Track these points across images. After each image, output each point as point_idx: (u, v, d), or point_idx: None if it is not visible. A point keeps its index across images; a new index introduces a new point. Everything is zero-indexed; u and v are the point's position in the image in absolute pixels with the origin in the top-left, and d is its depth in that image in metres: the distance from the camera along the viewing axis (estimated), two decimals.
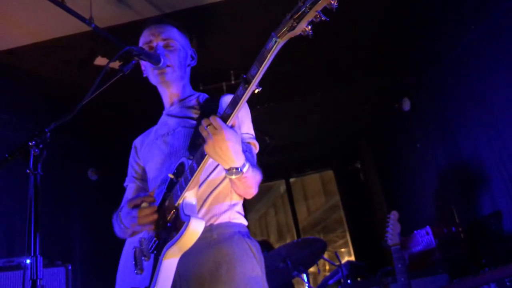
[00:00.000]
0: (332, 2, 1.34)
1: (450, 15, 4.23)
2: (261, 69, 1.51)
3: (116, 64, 3.99)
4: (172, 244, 1.74)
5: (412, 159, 5.55)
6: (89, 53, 4.28)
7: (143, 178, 2.26)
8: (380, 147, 6.70)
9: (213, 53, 4.38)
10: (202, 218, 1.79)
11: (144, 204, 1.86)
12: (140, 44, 2.21)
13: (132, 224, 1.90)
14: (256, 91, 1.57)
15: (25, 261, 3.38)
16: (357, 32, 4.59)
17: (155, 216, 1.84)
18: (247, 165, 1.74)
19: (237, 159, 1.69)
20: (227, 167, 1.71)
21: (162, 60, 2.04)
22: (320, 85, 5.54)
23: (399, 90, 5.46)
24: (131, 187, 2.30)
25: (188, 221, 1.71)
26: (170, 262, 1.79)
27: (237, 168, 1.71)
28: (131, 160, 2.35)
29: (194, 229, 1.72)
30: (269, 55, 1.48)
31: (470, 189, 4.38)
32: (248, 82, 1.55)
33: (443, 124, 4.75)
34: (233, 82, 4.89)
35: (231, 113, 1.63)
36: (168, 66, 2.10)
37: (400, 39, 4.80)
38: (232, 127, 1.68)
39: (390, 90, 5.64)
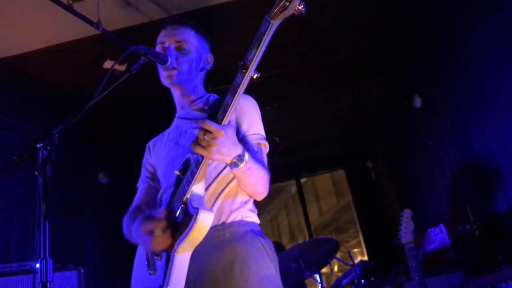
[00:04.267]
0: None
1: (460, 10, 4.19)
2: (257, 52, 1.49)
3: (123, 67, 3.99)
4: (183, 239, 1.73)
5: (424, 156, 5.50)
6: (98, 57, 4.29)
7: (156, 178, 2.27)
8: (391, 145, 6.65)
9: (222, 54, 4.36)
10: (210, 210, 1.77)
11: (157, 232, 1.82)
12: (156, 44, 2.22)
13: (145, 248, 1.90)
14: (255, 76, 1.55)
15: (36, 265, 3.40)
16: (366, 29, 4.55)
17: (169, 242, 1.81)
18: (246, 153, 1.73)
19: (236, 147, 1.68)
20: (230, 162, 1.70)
21: (169, 59, 2.03)
22: (329, 83, 5.51)
23: (409, 87, 5.42)
24: (143, 187, 2.30)
25: (197, 213, 1.70)
26: (182, 257, 1.78)
27: (238, 156, 1.69)
28: (144, 161, 2.36)
29: (203, 221, 1.70)
30: (264, 38, 1.47)
31: (484, 186, 4.33)
32: (246, 68, 1.52)
33: (455, 121, 4.70)
34: None
35: (231, 103, 1.60)
36: (174, 68, 2.09)
37: (410, 35, 4.76)
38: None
39: (400, 87, 5.60)
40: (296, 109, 5.98)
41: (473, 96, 4.32)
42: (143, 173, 2.34)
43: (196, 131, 2.05)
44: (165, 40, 2.17)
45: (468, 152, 4.56)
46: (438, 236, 4.00)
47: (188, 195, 1.78)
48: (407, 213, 3.86)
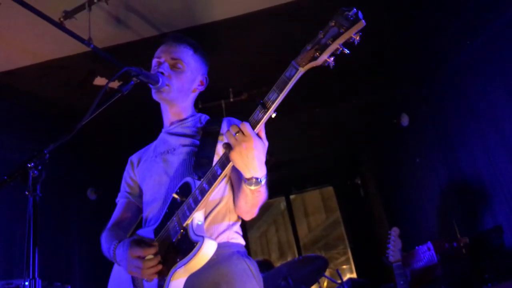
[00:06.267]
0: (354, 37, 1.38)
1: (446, 31, 4.27)
2: (280, 95, 1.53)
3: (115, 84, 4.01)
4: (182, 266, 1.71)
5: (412, 174, 5.54)
6: (88, 74, 4.30)
7: (137, 194, 2.23)
8: (380, 162, 6.69)
9: (212, 71, 4.39)
10: (214, 239, 1.76)
11: (149, 256, 1.81)
12: (154, 57, 2.22)
13: (132, 272, 1.85)
14: (273, 116, 1.58)
15: (24, 283, 3.35)
16: (355, 47, 4.61)
17: (160, 267, 1.80)
18: (265, 178, 1.72)
19: (260, 169, 1.67)
20: (248, 176, 1.68)
21: (160, 80, 2.03)
22: (318, 101, 5.56)
23: (397, 106, 5.48)
24: (122, 202, 2.26)
25: (202, 241, 1.69)
26: (177, 283, 1.77)
27: (257, 179, 1.68)
28: (125, 175, 2.32)
29: (207, 250, 1.70)
30: (289, 83, 1.51)
31: (470, 203, 4.37)
32: (266, 107, 1.56)
33: (442, 139, 4.75)
34: (231, 100, 4.91)
35: None
36: (167, 85, 2.08)
37: (398, 55, 4.83)
38: (259, 136, 1.66)
39: (388, 105, 5.66)
40: (286, 126, 6.00)
41: (459, 114, 4.38)
42: (123, 187, 2.30)
43: (185, 148, 2.05)
44: (162, 56, 2.17)
45: (455, 170, 4.60)
46: (426, 253, 4.01)
47: (189, 221, 1.77)
48: (394, 231, 3.88)
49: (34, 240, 1.42)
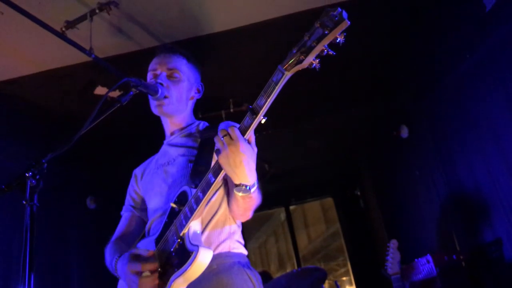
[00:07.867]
0: (339, 38, 1.37)
1: (445, 44, 4.29)
2: (268, 100, 1.53)
3: (115, 94, 4.02)
4: (179, 275, 1.72)
5: (412, 186, 5.54)
6: (89, 83, 4.31)
7: (141, 207, 2.25)
8: (380, 174, 6.69)
9: (212, 82, 4.41)
10: (210, 248, 1.76)
11: (146, 273, 1.80)
12: (148, 70, 2.23)
13: (130, 287, 1.85)
14: (263, 121, 1.58)
15: None
16: (354, 59, 4.63)
17: (156, 282, 1.80)
18: (255, 186, 1.72)
19: (249, 176, 1.66)
20: (237, 182, 1.68)
21: (160, 90, 2.04)
22: (318, 112, 5.57)
23: (397, 117, 5.49)
24: (126, 216, 2.28)
25: (197, 251, 1.70)
26: None
27: (246, 186, 1.68)
28: (129, 188, 2.34)
29: (202, 259, 1.71)
30: (276, 87, 1.51)
31: (470, 216, 4.36)
32: (255, 113, 1.56)
33: (442, 151, 4.75)
34: (232, 110, 4.92)
35: None
36: (166, 97, 2.09)
37: (397, 66, 4.85)
38: (248, 142, 1.65)
39: (388, 117, 5.67)
40: (285, 136, 6.02)
41: (459, 127, 4.38)
42: (128, 201, 2.32)
43: (184, 158, 2.06)
44: (157, 68, 2.18)
45: (455, 182, 4.59)
46: (425, 266, 4.00)
47: (185, 231, 1.78)
48: (393, 243, 3.87)
49: (30, 249, 1.42)
